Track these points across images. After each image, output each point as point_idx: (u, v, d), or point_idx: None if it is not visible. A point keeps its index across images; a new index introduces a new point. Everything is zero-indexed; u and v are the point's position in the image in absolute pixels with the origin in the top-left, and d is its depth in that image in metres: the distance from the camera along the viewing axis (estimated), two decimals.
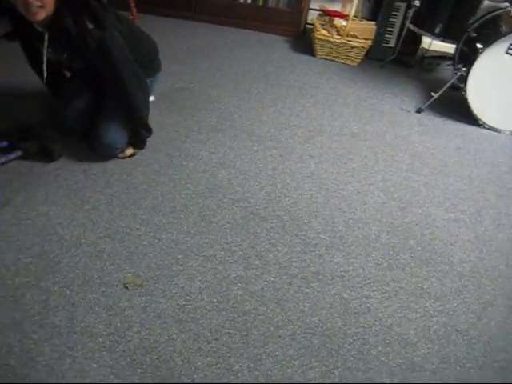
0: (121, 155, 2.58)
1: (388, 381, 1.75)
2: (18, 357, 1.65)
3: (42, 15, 2.11)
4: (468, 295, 2.13)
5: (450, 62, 3.99)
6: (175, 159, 2.64)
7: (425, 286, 2.14)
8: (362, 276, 2.13)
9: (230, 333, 1.81)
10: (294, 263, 2.13)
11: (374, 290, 2.07)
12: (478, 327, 1.99)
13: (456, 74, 3.49)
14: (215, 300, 1.92)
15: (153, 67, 2.72)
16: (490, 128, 3.43)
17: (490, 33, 3.42)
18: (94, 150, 2.54)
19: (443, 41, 3.92)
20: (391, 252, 2.28)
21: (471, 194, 2.76)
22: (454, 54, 3.78)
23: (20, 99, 2.94)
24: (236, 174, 2.60)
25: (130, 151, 2.60)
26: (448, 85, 3.47)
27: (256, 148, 2.83)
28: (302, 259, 2.16)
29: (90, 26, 2.14)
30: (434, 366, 1.82)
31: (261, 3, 4.47)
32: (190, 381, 1.66)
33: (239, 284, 2.00)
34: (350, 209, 2.49)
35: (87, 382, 1.64)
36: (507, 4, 3.56)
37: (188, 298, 1.91)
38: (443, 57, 4.31)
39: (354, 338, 1.87)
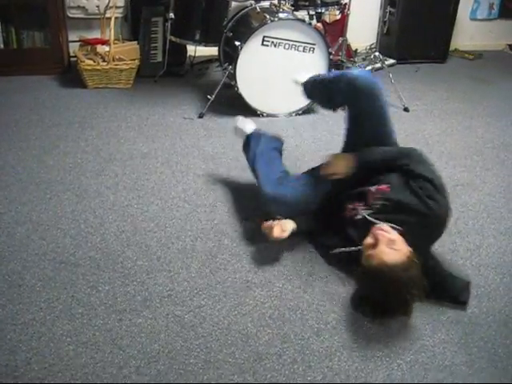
0: None
1: (241, 379, 1.78)
2: None
3: None
4: (288, 273, 2.26)
5: (217, 64, 4.18)
6: None
7: (249, 278, 2.22)
8: (188, 289, 2.14)
9: None
10: (118, 298, 2.07)
11: (204, 298, 2.10)
12: (305, 298, 2.13)
13: (225, 73, 3.66)
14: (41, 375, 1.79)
15: None
16: (269, 115, 3.66)
17: (244, 30, 3.64)
18: None
19: (205, 45, 4.08)
20: (210, 256, 2.32)
21: None
22: (219, 56, 3.97)
23: None
24: (34, 227, 2.45)
25: None
26: (220, 85, 3.62)
27: (49, 196, 2.68)
28: (126, 291, 2.11)
29: None
30: (278, 349, 1.90)
31: (15, 46, 4.23)
32: None
33: (69, 339, 1.88)
34: (159, 228, 2.49)
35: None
36: (252, 2, 3.83)
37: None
38: (210, 60, 4.50)
39: (198, 350, 1.88)
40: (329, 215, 2.38)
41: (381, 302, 1.98)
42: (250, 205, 2.68)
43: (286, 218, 2.32)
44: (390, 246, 1.97)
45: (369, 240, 2.04)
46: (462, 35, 5.39)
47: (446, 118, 3.92)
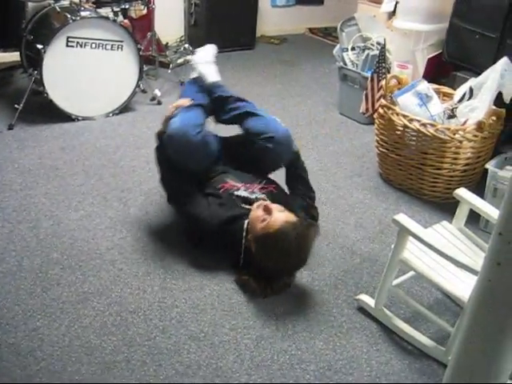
0: None
1: None
2: None
3: None
4: (125, 276, 2.22)
5: (22, 70, 3.91)
6: None
7: (85, 289, 2.13)
8: (20, 312, 2.00)
9: None
10: None
11: (40, 319, 1.98)
12: (146, 298, 2.11)
13: (31, 79, 3.44)
14: None
15: None
16: (85, 118, 3.52)
17: (45, 32, 3.45)
18: None
19: (5, 51, 3.80)
20: (40, 274, 2.19)
21: (88, 186, 2.83)
22: (21, 61, 3.72)
23: None
24: None
25: None
26: (28, 92, 3.40)
27: None
28: None
29: None
30: (125, 355, 1.86)
31: None
32: None
33: None
34: None
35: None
36: (50, 1, 3.63)
37: None
38: (14, 66, 4.20)
39: (39, 375, 1.77)
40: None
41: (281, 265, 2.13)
42: (76, 214, 2.58)
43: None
44: (281, 211, 2.16)
45: (259, 212, 2.16)
46: (266, 22, 5.64)
47: (260, 101, 4.06)
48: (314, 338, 1.98)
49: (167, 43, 4.86)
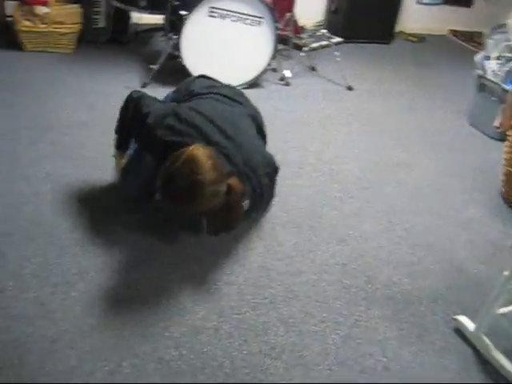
0: None
1: (177, 353, 1.78)
2: None
3: None
4: (224, 244, 2.26)
5: (162, 33, 4.07)
6: None
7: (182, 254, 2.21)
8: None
9: None
10: (52, 271, 2.01)
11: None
12: (243, 273, 2.14)
13: (170, 43, 3.57)
14: None
15: None
16: None
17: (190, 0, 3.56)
18: None
19: (151, 13, 3.97)
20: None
21: None
22: (164, 24, 3.87)
23: None
24: None
25: None
26: (165, 55, 3.54)
27: None
28: (60, 264, 2.05)
29: None
30: (215, 323, 1.91)
31: None
32: None
33: None
34: None
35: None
36: None
37: None
38: (155, 29, 4.38)
39: (133, 323, 1.86)
40: None
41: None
42: None
43: None
44: None
45: None
46: (407, 18, 5.46)
47: (389, 98, 3.98)
48: (403, 349, 1.92)
49: (303, 26, 4.84)
